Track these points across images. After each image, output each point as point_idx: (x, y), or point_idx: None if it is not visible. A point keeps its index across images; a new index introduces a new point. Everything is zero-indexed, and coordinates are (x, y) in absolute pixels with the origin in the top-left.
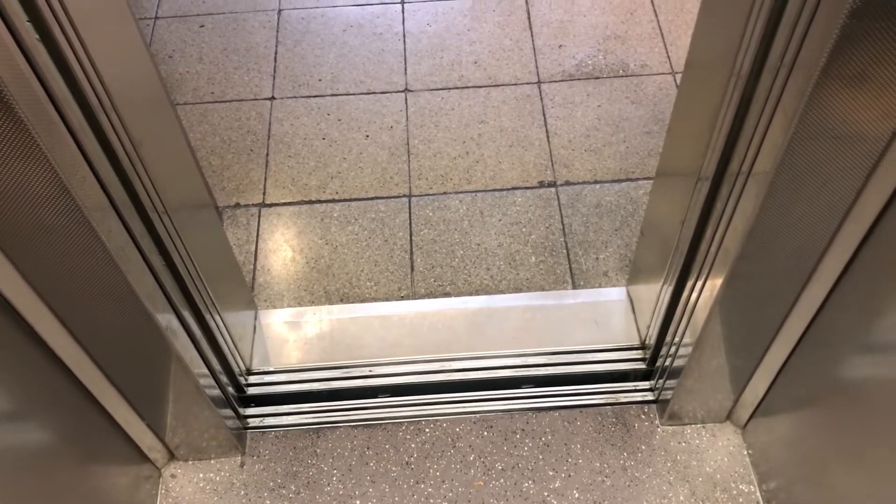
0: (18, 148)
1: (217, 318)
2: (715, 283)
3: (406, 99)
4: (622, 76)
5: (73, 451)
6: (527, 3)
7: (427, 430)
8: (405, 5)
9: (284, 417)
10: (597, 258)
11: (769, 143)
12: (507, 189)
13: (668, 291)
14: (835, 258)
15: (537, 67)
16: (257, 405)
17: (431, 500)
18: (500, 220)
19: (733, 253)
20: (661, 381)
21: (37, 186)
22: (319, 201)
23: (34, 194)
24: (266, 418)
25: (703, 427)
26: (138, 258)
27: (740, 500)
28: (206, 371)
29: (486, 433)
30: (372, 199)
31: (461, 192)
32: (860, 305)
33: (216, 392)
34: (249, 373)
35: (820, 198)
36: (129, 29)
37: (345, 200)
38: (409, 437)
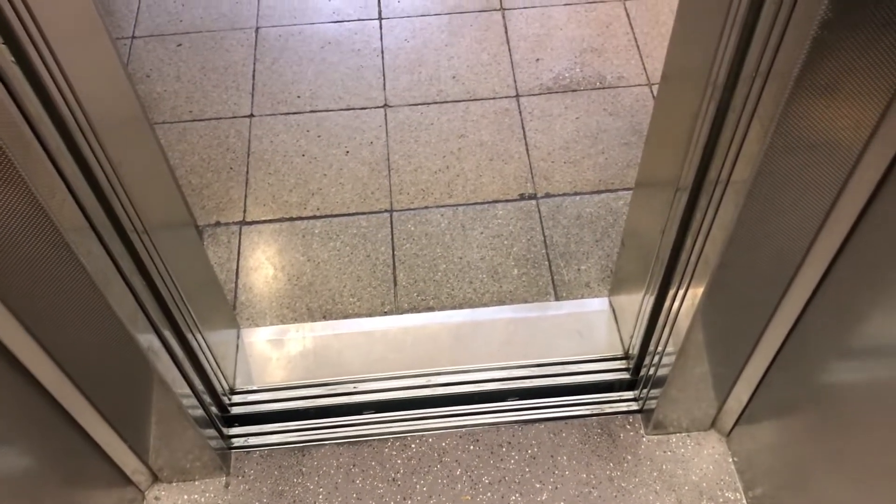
0: None
1: (199, 337)
2: (696, 292)
3: (385, 114)
4: (599, 88)
5: (55, 475)
6: (504, 17)
7: (413, 445)
8: (383, 21)
9: (269, 436)
10: (578, 269)
11: (746, 152)
12: (488, 202)
13: (650, 301)
14: (813, 266)
15: (515, 81)
16: (241, 425)
17: None
18: (481, 233)
19: (713, 262)
20: (645, 390)
21: (14, 208)
22: (300, 218)
23: (11, 216)
24: (250, 438)
25: (688, 436)
26: (118, 279)
27: None
28: (188, 391)
29: (472, 447)
30: (353, 214)
31: (442, 207)
32: (838, 312)
33: (199, 412)
34: (233, 392)
35: (797, 206)
36: (105, 49)
37: (326, 217)
38: (395, 453)
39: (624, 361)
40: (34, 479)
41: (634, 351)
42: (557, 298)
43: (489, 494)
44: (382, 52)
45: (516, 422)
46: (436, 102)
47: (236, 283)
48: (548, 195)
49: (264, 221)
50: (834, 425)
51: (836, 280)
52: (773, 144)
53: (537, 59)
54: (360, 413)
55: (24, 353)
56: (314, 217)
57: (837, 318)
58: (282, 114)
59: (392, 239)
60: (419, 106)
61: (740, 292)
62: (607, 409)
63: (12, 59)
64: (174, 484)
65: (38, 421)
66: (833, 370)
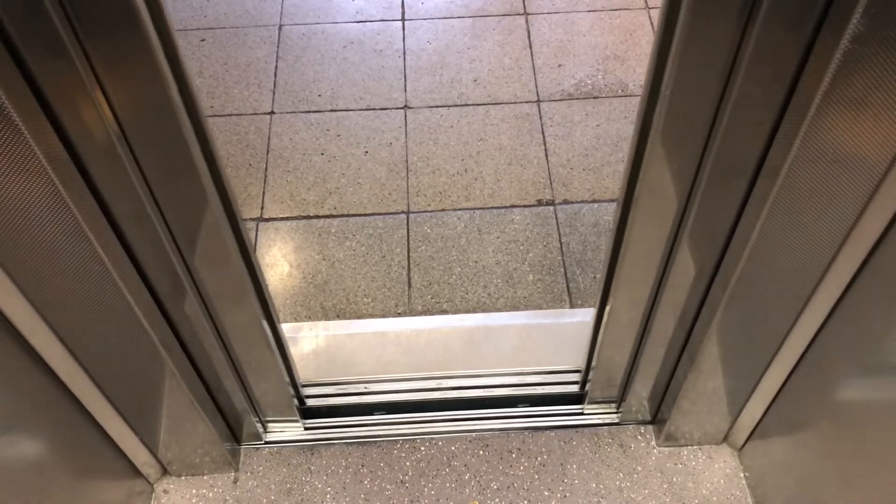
0: (18, 161)
1: None
2: (713, 305)
3: (405, 116)
4: (621, 96)
5: (66, 466)
6: (527, 22)
7: (422, 448)
8: (406, 22)
9: (278, 434)
10: (594, 277)
11: (770, 164)
12: (506, 207)
13: None
14: (834, 281)
15: (537, 86)
16: None
17: None
18: (497, 237)
19: (732, 275)
20: (658, 400)
21: (35, 200)
22: (317, 216)
23: (33, 208)
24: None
25: (700, 449)
26: (134, 272)
27: None
28: (201, 386)
29: (481, 452)
30: (370, 215)
31: (459, 210)
32: (859, 329)
33: (211, 407)
34: None
35: (820, 220)
36: None
37: (343, 216)
38: (404, 455)
39: None
40: (45, 468)
41: None
42: (572, 306)
43: (497, 500)
44: (404, 53)
45: (527, 428)
46: (456, 105)
47: None
48: (566, 202)
49: (281, 219)
50: (850, 445)
51: (858, 296)
52: (797, 157)
53: (559, 65)
54: (371, 414)
55: (40, 343)
56: (331, 216)
57: (858, 335)
58: (302, 112)
59: (408, 240)
60: (439, 108)
61: (758, 306)
62: (618, 418)
63: None
64: (183, 478)
65: (51, 410)
66: (851, 388)
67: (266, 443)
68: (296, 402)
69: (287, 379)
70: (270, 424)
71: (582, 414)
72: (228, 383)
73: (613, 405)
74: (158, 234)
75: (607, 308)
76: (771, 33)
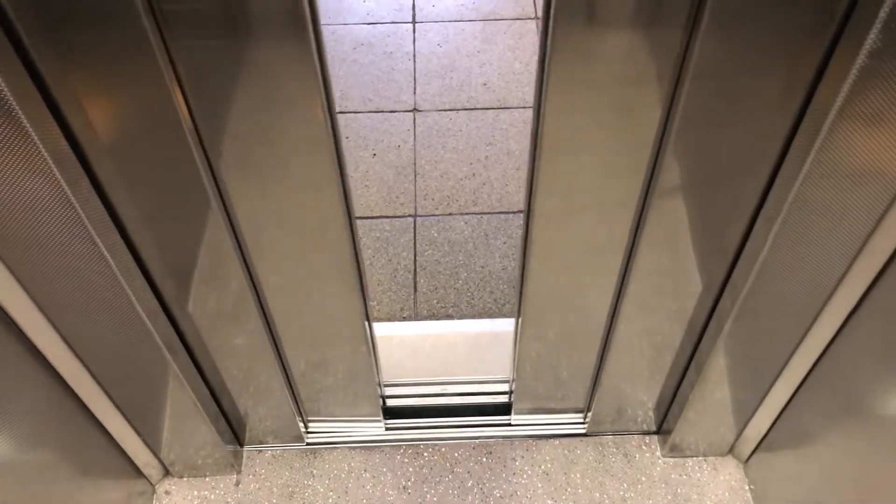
0: (24, 160)
1: None
2: (722, 317)
3: (414, 119)
4: None
5: (68, 466)
6: (538, 26)
7: (425, 453)
8: (416, 25)
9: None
10: None
11: (782, 178)
12: (514, 212)
13: None
14: (845, 296)
15: None
16: None
17: None
18: (504, 243)
19: (742, 288)
20: (663, 411)
21: (41, 199)
22: None
23: (38, 207)
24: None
25: (705, 460)
26: (140, 274)
27: None
28: (204, 388)
29: (485, 459)
30: (377, 217)
31: (467, 214)
32: (871, 344)
33: (214, 409)
34: None
35: (832, 235)
36: None
37: None
38: (406, 460)
39: None
40: (48, 468)
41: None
42: None
43: None
44: (414, 55)
45: (531, 436)
46: (465, 109)
47: None
48: None
49: None
50: (857, 460)
51: (870, 310)
52: (811, 172)
53: None
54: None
55: (45, 343)
56: None
57: (869, 349)
58: None
59: (414, 244)
60: (448, 112)
61: (767, 319)
62: (623, 428)
63: None
64: (185, 479)
65: (53, 410)
66: (861, 403)
67: (268, 445)
68: (380, 401)
69: (376, 379)
70: (312, 424)
71: (588, 422)
72: (277, 383)
73: (580, 415)
74: (171, 234)
75: (520, 318)
76: (785, 45)
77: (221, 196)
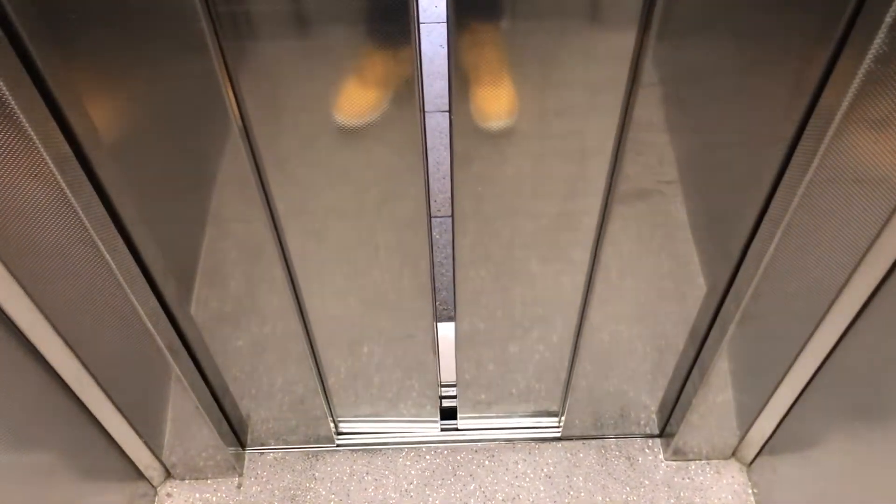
0: (27, 165)
1: None
2: (725, 320)
3: None
4: None
5: (69, 468)
6: None
7: (428, 456)
8: (419, 26)
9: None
10: None
11: (786, 183)
12: None
13: None
14: (850, 300)
15: None
16: None
17: None
18: None
19: (746, 291)
20: (666, 415)
21: (43, 204)
22: None
23: (40, 211)
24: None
25: (708, 463)
26: (141, 277)
27: None
28: (206, 390)
29: (487, 462)
30: None
31: None
32: (876, 348)
33: (215, 411)
34: None
35: (836, 240)
36: None
37: None
38: (409, 463)
39: None
40: (49, 470)
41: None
42: None
43: None
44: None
45: (533, 439)
46: None
47: None
48: None
49: None
50: (861, 465)
51: (874, 315)
52: (815, 177)
53: None
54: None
55: (45, 345)
56: None
57: (874, 353)
58: None
59: None
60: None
61: (771, 322)
62: (626, 431)
63: None
64: (186, 481)
65: (54, 412)
66: (866, 407)
67: (271, 448)
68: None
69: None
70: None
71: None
72: (304, 378)
73: (554, 418)
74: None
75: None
76: (791, 49)
77: (268, 200)
